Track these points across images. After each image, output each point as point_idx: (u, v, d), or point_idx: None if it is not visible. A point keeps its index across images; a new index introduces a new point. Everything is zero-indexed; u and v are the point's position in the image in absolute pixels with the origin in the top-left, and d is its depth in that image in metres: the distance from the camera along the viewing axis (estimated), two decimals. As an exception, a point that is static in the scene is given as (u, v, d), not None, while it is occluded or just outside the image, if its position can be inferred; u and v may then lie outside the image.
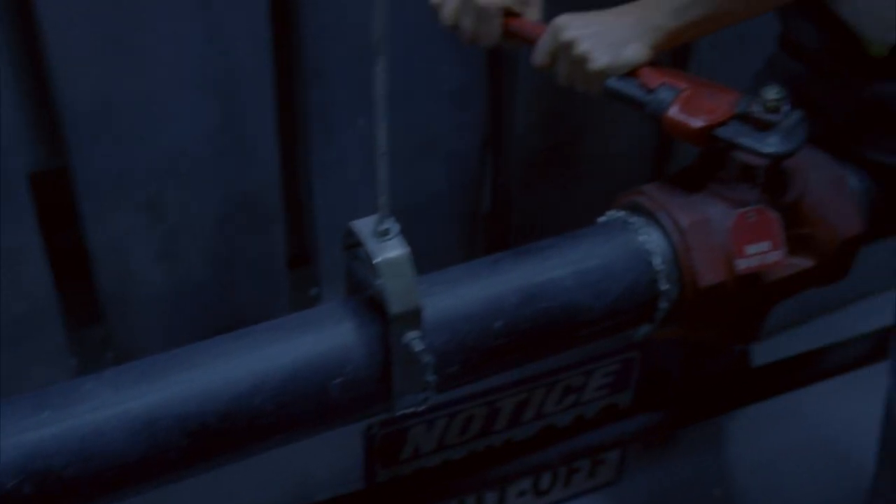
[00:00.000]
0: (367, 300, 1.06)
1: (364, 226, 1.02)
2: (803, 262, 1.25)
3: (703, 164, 1.23)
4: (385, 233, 1.01)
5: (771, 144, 1.14)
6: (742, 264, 1.18)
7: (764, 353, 1.92)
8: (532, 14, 1.32)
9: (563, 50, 1.23)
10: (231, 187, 1.59)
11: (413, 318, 1.02)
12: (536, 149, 1.84)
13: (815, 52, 1.39)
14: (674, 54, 1.79)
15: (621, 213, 1.23)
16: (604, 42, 1.21)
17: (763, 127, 1.14)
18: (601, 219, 1.24)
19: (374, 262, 0.99)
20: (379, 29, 0.82)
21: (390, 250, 1.00)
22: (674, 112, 1.16)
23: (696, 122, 1.15)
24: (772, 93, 1.15)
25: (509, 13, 1.30)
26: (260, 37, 1.50)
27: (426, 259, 1.06)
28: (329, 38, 1.54)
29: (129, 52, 1.42)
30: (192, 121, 1.51)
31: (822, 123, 1.37)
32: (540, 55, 1.26)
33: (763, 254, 1.18)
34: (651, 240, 1.19)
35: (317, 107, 1.59)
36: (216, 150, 1.55)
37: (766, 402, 1.86)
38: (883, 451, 1.42)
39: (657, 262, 1.18)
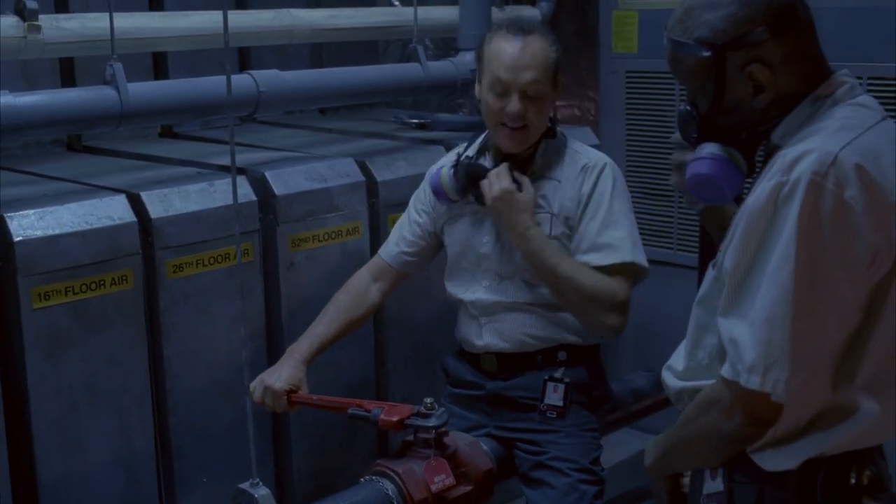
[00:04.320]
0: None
1: (245, 484, 2.09)
2: (466, 487, 2.40)
3: (407, 441, 2.40)
4: (256, 484, 2.08)
5: (430, 422, 2.33)
6: (434, 487, 2.32)
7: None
8: (304, 389, 2.50)
9: None
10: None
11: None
12: (313, 492, 2.92)
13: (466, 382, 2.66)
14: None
15: (369, 475, 2.36)
16: None
17: (426, 416, 2.34)
18: (361, 480, 2.36)
19: (256, 496, 2.06)
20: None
21: (260, 490, 2.07)
22: (383, 416, 2.34)
23: (395, 418, 2.33)
24: (428, 400, 2.36)
25: (291, 391, 2.48)
26: None
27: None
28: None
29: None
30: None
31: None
32: None
33: (443, 480, 2.33)
34: (385, 483, 2.31)
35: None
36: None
37: None
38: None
39: (391, 493, 2.29)
